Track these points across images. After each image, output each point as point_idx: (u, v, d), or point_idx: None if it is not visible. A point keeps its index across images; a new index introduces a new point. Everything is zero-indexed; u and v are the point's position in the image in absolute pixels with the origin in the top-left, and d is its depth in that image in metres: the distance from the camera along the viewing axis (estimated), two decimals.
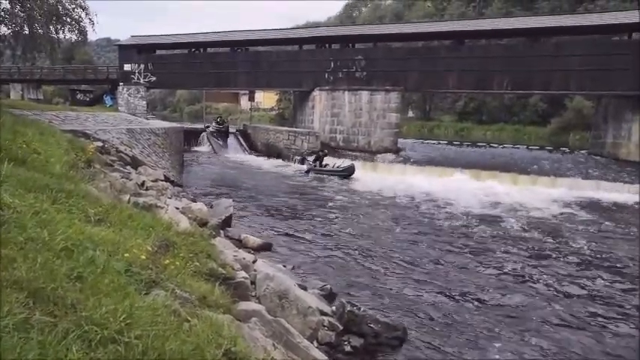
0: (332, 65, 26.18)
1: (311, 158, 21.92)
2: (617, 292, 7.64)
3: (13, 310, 1.95)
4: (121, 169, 10.80)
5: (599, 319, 6.58)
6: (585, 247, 10.33)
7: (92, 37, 19.01)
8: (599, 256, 9.73)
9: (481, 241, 10.68)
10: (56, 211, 3.64)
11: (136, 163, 12.81)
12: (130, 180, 9.50)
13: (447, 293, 7.29)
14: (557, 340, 5.85)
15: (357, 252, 9.35)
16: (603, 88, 22.13)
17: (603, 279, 8.24)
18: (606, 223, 12.99)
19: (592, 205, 15.57)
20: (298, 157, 23.74)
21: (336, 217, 12.60)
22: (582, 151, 26.19)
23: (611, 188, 17.69)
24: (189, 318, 2.77)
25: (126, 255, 3.33)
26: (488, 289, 7.56)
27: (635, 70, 20.36)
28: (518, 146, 30.50)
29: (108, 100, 33.63)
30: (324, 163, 21.28)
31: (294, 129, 27.46)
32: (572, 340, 5.86)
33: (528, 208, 14.46)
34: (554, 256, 9.62)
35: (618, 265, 9.13)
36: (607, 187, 17.85)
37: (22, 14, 13.72)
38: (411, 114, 58.79)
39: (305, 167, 21.51)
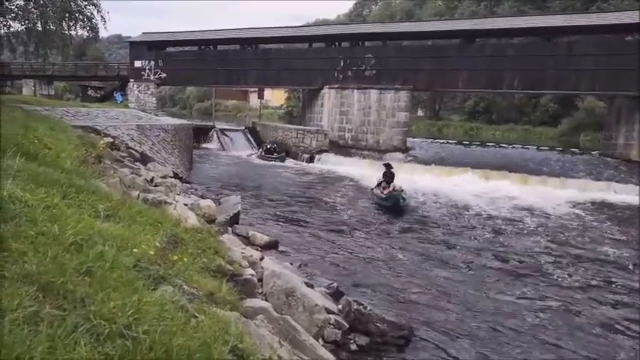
0: (341, 63, 26.12)
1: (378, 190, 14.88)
2: (625, 292, 7.57)
3: (24, 303, 1.97)
4: (131, 165, 10.89)
5: (604, 320, 6.52)
6: (595, 249, 10.23)
7: (103, 33, 19.20)
8: (609, 257, 9.63)
9: (489, 241, 10.62)
10: (66, 206, 3.68)
11: (145, 160, 12.91)
12: (140, 176, 9.57)
13: (454, 293, 7.27)
14: (562, 341, 5.81)
15: (364, 251, 9.34)
16: (616, 88, 21.86)
17: (612, 280, 8.17)
18: (617, 224, 12.85)
19: (603, 207, 15.41)
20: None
21: (344, 216, 12.60)
22: (593, 152, 25.90)
23: (622, 190, 17.48)
24: (196, 314, 2.79)
25: (134, 250, 3.35)
26: (495, 290, 7.52)
27: None
28: (528, 147, 30.23)
29: (118, 96, 33.86)
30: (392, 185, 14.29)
31: (303, 127, 27.47)
32: (577, 341, 5.82)
33: (538, 209, 14.34)
34: (562, 258, 9.54)
35: (628, 267, 9.04)
36: (618, 188, 17.65)
37: (35, 11, 13.88)
38: (420, 113, 58.50)
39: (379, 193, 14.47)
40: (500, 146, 30.32)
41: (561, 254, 9.76)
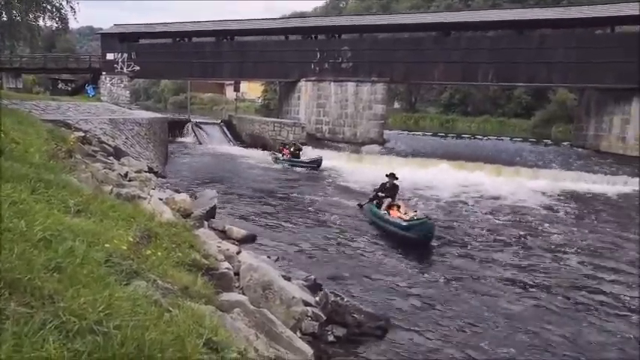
0: (318, 56, 26.08)
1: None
2: (597, 282, 7.80)
3: None
4: (104, 159, 10.63)
5: (586, 311, 6.68)
6: (566, 238, 10.51)
7: (74, 25, 18.64)
8: (579, 246, 9.90)
9: (464, 232, 10.79)
10: (35, 201, 3.58)
11: (119, 154, 12.64)
12: (113, 171, 9.38)
13: (431, 284, 7.37)
14: (543, 335, 5.93)
15: (341, 243, 9.38)
16: (586, 80, 22.46)
17: (587, 269, 8.42)
18: (586, 213, 13.25)
19: (573, 196, 15.83)
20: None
21: (321, 209, 12.60)
22: (565, 143, 26.56)
23: (591, 180, 18.01)
24: (170, 308, 2.75)
25: (106, 245, 3.28)
26: (471, 280, 7.65)
27: (618, 63, 20.69)
28: (502, 138, 30.79)
29: (90, 89, 33.03)
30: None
31: (280, 120, 27.36)
32: (557, 333, 5.96)
33: (511, 199, 14.66)
34: (536, 247, 9.77)
35: (598, 255, 9.31)
36: (588, 178, 18.17)
37: (0, 0, 13.37)
38: (396, 105, 58.94)
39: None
40: (475, 138, 30.80)
41: (536, 244, 9.99)
